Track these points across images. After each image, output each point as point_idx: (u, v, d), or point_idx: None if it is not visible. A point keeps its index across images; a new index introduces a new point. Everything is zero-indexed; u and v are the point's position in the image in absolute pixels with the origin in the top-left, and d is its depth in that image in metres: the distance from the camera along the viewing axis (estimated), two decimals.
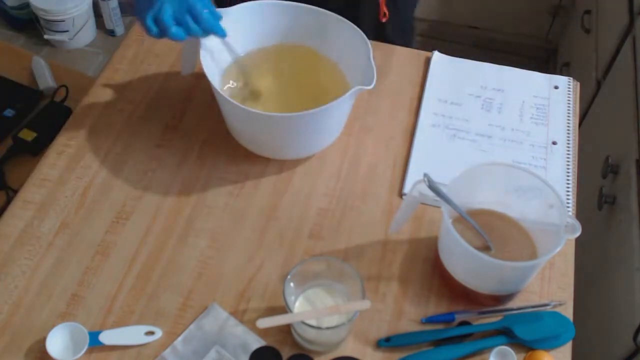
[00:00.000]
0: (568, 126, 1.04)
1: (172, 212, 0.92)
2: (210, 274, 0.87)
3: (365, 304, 0.76)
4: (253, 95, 0.97)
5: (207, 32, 0.87)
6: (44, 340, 0.78)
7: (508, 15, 2.18)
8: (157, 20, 0.84)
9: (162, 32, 0.84)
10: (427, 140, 1.01)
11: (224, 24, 0.90)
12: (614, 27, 1.51)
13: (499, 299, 0.84)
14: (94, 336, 0.79)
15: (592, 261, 1.30)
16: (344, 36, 0.96)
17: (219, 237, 0.90)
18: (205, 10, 0.85)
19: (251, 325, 0.82)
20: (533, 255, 0.84)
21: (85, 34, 2.31)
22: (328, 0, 1.00)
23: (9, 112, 1.39)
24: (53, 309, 0.83)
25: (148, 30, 0.85)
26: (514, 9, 2.15)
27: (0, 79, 1.46)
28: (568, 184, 0.97)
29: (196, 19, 0.85)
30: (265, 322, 0.75)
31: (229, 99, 0.86)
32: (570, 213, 0.93)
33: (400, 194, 0.95)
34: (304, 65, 1.02)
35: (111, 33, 2.37)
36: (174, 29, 0.84)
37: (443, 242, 0.85)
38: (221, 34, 0.89)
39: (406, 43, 1.18)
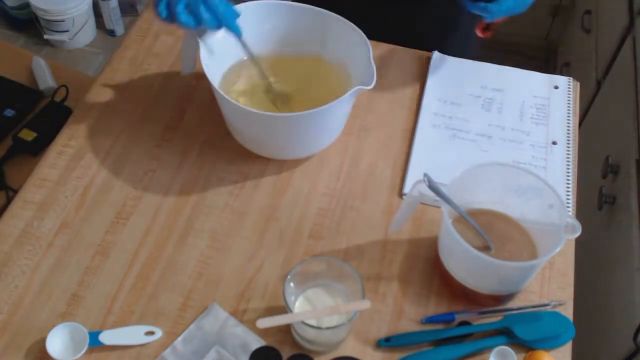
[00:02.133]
0: (568, 126, 1.04)
1: (172, 212, 0.92)
2: (210, 274, 0.87)
3: (365, 304, 0.76)
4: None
5: (220, 24, 0.85)
6: (44, 340, 0.78)
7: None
8: (169, 5, 0.83)
9: (172, 18, 0.83)
10: (427, 140, 1.01)
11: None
12: (614, 27, 1.51)
13: (499, 299, 0.84)
14: (94, 336, 0.79)
15: (592, 261, 1.30)
16: (344, 36, 0.96)
17: (219, 237, 0.90)
18: (222, 3, 0.84)
19: (251, 325, 0.82)
20: (533, 255, 0.84)
21: (85, 34, 2.31)
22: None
23: (9, 112, 1.39)
24: (53, 309, 0.83)
25: (159, 14, 0.83)
26: None
27: (0, 79, 1.46)
28: (568, 184, 0.97)
29: (209, 10, 0.83)
30: (265, 322, 0.75)
31: (229, 98, 0.86)
32: (570, 213, 0.93)
33: (400, 194, 0.95)
34: (304, 65, 1.02)
35: (111, 33, 2.37)
36: (183, 17, 0.82)
37: (443, 242, 0.85)
38: (236, 31, 0.87)
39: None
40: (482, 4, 0.92)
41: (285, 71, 1.01)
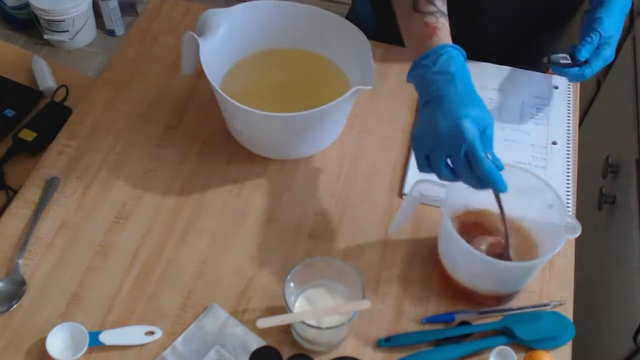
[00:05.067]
0: (568, 126, 1.04)
1: (172, 212, 0.92)
2: (210, 274, 0.87)
3: (365, 304, 0.76)
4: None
5: (484, 185, 0.73)
6: (44, 340, 0.78)
7: None
8: (429, 160, 0.75)
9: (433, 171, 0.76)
10: None
11: (223, 24, 0.89)
12: None
13: (499, 299, 0.84)
14: (94, 336, 0.79)
15: (592, 261, 1.30)
16: (344, 36, 0.96)
17: (219, 237, 0.90)
18: (489, 157, 0.73)
19: (251, 325, 0.82)
20: (533, 255, 0.84)
21: (85, 34, 2.31)
22: None
23: (9, 112, 1.38)
24: (53, 309, 0.83)
25: (419, 167, 0.76)
26: None
27: (0, 79, 1.46)
28: (568, 184, 0.97)
29: (473, 166, 0.72)
30: (265, 322, 0.75)
31: (229, 98, 0.86)
32: (570, 213, 0.93)
33: (400, 194, 0.95)
34: (304, 65, 1.02)
35: (111, 33, 2.37)
36: (444, 172, 0.74)
37: (443, 242, 0.85)
38: (501, 188, 0.73)
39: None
40: (575, 70, 0.93)
41: (285, 71, 1.01)
